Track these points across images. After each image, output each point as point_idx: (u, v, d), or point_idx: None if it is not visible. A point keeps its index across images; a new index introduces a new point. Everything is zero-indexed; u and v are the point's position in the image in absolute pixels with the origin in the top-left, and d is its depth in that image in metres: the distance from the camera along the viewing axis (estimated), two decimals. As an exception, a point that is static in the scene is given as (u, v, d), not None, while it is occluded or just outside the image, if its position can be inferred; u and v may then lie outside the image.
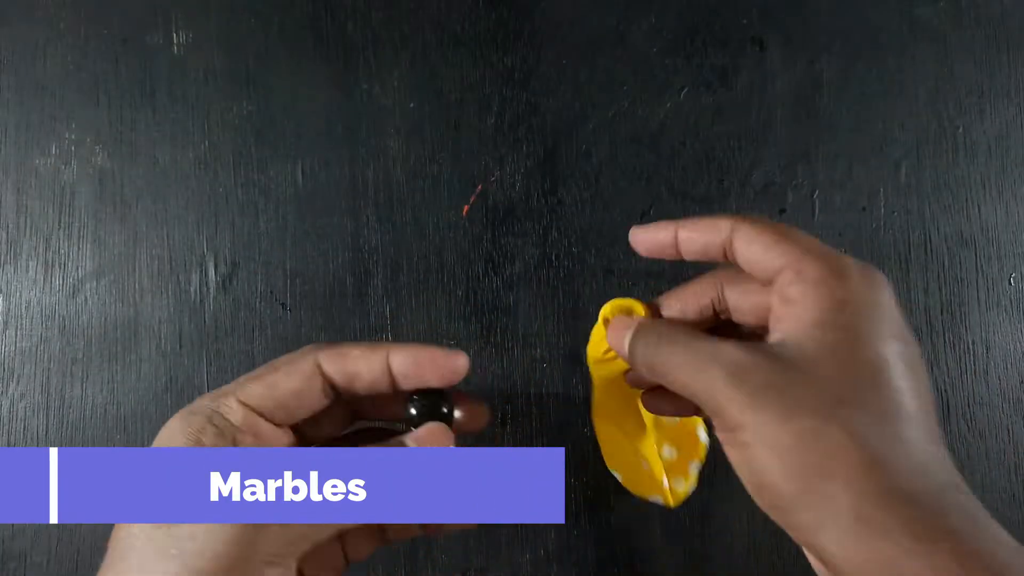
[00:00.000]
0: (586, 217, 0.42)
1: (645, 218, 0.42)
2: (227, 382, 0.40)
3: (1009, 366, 0.41)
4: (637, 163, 0.42)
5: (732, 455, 0.26)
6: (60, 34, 0.42)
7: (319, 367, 0.27)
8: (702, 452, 0.36)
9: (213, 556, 0.23)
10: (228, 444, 0.25)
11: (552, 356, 0.41)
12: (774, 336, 0.26)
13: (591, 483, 0.41)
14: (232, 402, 0.26)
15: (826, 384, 0.24)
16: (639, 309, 0.32)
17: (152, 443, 0.27)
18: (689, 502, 0.36)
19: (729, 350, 0.26)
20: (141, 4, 0.42)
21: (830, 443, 0.23)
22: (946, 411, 0.41)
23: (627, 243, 0.42)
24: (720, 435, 0.26)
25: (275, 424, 0.27)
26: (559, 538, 0.40)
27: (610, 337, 0.32)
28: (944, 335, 0.41)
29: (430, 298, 0.41)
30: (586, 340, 0.41)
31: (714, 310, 0.31)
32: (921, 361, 0.26)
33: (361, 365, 0.28)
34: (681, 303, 0.31)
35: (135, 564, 0.24)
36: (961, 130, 0.42)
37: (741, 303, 0.30)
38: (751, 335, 0.30)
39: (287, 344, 0.41)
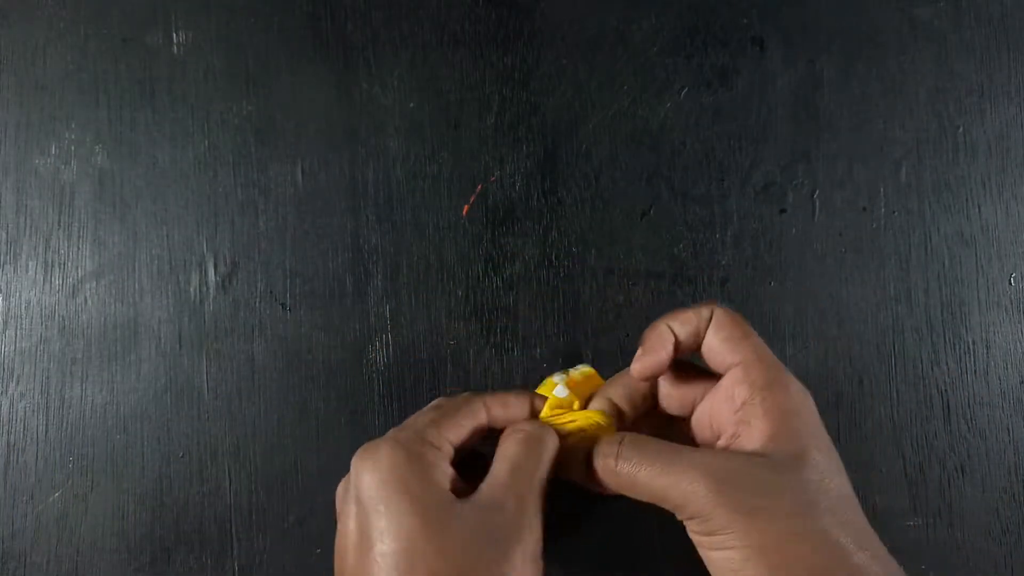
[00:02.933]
0: (586, 217, 0.42)
1: (645, 218, 0.42)
2: (226, 382, 0.40)
3: (1009, 366, 0.41)
4: (637, 163, 0.42)
5: (713, 556, 0.29)
6: (60, 34, 0.42)
7: (486, 410, 0.34)
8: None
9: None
10: (442, 468, 0.31)
11: (552, 356, 0.41)
12: (741, 444, 0.30)
13: (591, 483, 0.41)
14: (447, 447, 0.32)
15: (798, 489, 0.28)
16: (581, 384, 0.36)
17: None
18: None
19: (712, 458, 0.29)
20: (141, 4, 0.42)
21: (813, 542, 0.27)
22: (946, 411, 0.41)
23: (627, 243, 0.42)
24: (700, 538, 0.29)
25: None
26: (559, 538, 0.40)
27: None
28: (944, 335, 0.41)
29: (430, 298, 0.41)
30: (585, 339, 0.41)
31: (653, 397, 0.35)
32: (837, 456, 0.30)
33: (515, 412, 0.34)
34: (682, 325, 0.33)
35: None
36: (961, 130, 0.42)
37: (671, 394, 0.35)
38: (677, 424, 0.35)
39: (287, 344, 0.41)
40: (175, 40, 0.42)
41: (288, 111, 0.42)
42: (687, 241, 0.42)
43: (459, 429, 0.32)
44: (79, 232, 0.41)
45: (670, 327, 0.33)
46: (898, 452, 0.40)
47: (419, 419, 0.33)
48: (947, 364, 0.41)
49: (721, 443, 0.32)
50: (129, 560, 0.40)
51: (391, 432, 0.32)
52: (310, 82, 0.42)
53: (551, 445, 0.33)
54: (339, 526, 0.31)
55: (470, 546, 0.28)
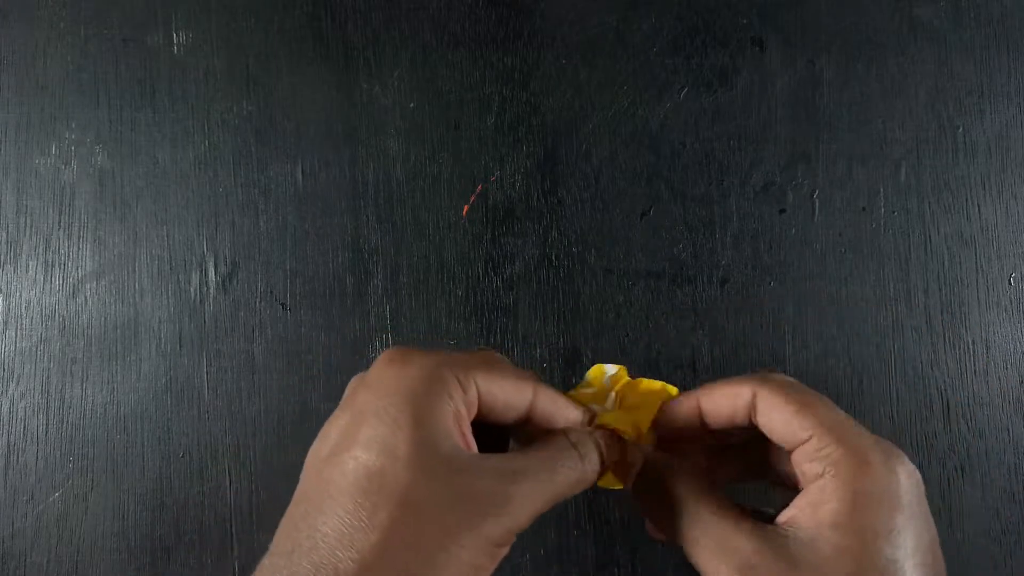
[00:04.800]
0: (586, 217, 0.42)
1: (645, 218, 0.42)
2: (227, 382, 0.40)
3: (1009, 366, 0.41)
4: (637, 163, 0.42)
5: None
6: (60, 34, 0.42)
7: (534, 394, 0.29)
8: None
9: None
10: (456, 407, 0.27)
11: (552, 356, 0.41)
12: (791, 523, 0.26)
13: (591, 483, 0.41)
14: (473, 393, 0.27)
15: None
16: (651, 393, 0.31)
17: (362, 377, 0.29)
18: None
19: (741, 542, 0.25)
20: (141, 4, 0.42)
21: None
22: (946, 411, 0.41)
23: (627, 243, 0.42)
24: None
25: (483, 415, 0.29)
26: (559, 538, 0.40)
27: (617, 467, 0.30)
28: (944, 335, 0.41)
29: (430, 298, 0.41)
30: (585, 339, 0.41)
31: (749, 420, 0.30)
32: (938, 549, 0.26)
33: (564, 414, 0.29)
34: (714, 405, 0.29)
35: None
36: (961, 130, 0.42)
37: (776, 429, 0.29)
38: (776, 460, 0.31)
39: (287, 344, 0.41)
40: (175, 40, 0.42)
41: (288, 111, 0.42)
42: (687, 241, 0.42)
43: (496, 387, 0.28)
44: (79, 232, 0.41)
45: (699, 401, 0.29)
46: (898, 452, 0.40)
47: (464, 356, 0.28)
48: (947, 364, 0.41)
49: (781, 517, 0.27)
50: (129, 560, 0.40)
51: (432, 351, 0.28)
52: (310, 82, 0.42)
53: (591, 473, 0.28)
54: (336, 412, 0.28)
55: (444, 496, 0.25)
